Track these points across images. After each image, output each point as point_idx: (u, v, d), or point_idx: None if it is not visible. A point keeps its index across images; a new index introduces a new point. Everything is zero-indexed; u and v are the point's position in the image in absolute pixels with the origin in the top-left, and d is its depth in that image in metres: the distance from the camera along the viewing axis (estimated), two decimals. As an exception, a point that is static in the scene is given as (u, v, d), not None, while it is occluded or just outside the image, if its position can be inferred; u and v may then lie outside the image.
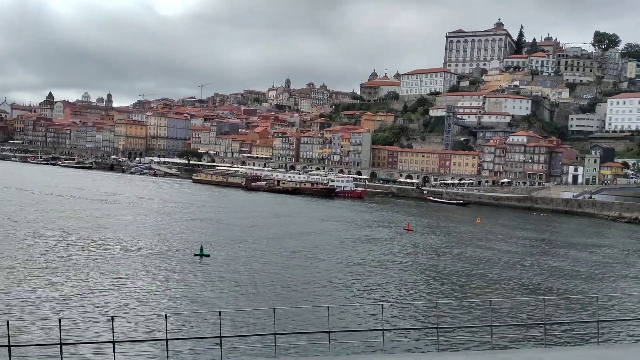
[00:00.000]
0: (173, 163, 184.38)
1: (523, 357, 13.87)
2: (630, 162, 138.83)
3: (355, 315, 28.84)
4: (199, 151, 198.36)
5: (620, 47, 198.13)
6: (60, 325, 14.39)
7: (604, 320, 19.18)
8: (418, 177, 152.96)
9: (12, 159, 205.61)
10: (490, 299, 31.17)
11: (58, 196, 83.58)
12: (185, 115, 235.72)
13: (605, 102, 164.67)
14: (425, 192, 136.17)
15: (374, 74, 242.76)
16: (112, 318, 15.32)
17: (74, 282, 32.46)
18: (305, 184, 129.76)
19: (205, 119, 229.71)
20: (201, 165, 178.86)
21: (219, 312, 16.61)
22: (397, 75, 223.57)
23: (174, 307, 28.86)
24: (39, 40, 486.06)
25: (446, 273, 42.04)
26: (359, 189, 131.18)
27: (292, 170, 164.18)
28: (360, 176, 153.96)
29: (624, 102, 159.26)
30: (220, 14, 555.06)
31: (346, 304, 30.75)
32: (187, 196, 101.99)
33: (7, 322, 14.53)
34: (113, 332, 14.41)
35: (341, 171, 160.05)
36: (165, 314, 17.32)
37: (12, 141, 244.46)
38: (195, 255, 42.42)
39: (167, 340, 14.68)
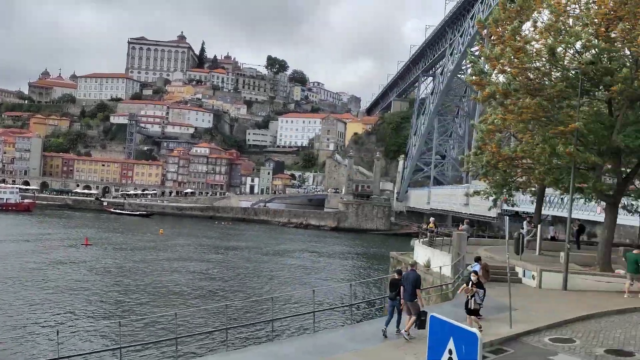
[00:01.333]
0: None
1: None
2: (297, 174, 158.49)
3: (21, 344, 24.91)
4: None
5: (289, 72, 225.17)
6: None
7: (277, 319, 20.94)
8: (97, 188, 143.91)
9: None
10: (175, 311, 30.83)
11: None
12: None
13: (277, 120, 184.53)
14: (105, 203, 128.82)
15: (46, 73, 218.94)
16: None
17: None
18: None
19: None
20: None
21: None
22: (74, 77, 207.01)
23: None
24: None
25: (131, 288, 40.14)
26: (26, 201, 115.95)
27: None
28: (28, 187, 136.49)
29: (292, 121, 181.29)
30: None
31: (15, 335, 26.34)
32: None
33: None
34: None
35: (4, 181, 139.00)
36: None
37: None
38: None
39: None
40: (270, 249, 69.38)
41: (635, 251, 19.58)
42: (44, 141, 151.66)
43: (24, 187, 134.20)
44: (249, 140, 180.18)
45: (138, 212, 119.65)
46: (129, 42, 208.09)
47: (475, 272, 14.92)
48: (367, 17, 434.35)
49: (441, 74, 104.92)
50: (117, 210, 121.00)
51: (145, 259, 55.11)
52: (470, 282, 14.36)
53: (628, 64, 19.18)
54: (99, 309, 33.48)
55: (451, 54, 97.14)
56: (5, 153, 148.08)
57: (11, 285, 38.49)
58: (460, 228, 29.52)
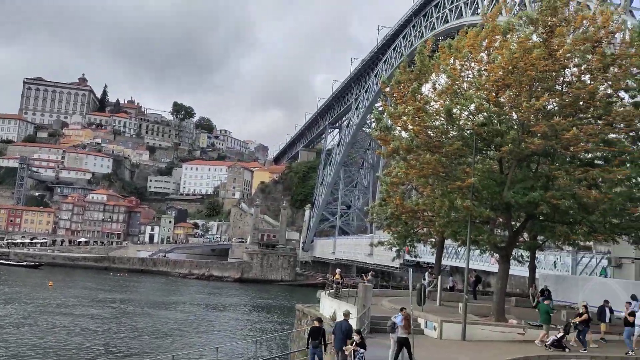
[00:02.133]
0: None
1: None
2: (200, 222, 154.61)
3: None
4: None
5: (195, 118, 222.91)
6: None
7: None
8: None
9: None
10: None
11: None
12: None
13: (181, 166, 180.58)
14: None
15: None
16: None
17: None
18: None
19: None
20: None
21: None
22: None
23: None
24: None
25: (11, 347, 36.43)
26: None
27: None
28: None
29: (197, 168, 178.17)
30: None
31: None
32: None
33: None
34: None
35: None
36: None
37: None
38: None
39: None
40: (169, 303, 66.32)
41: (546, 302, 20.84)
42: None
43: None
44: (150, 187, 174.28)
45: (25, 263, 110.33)
46: (25, 82, 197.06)
47: (359, 332, 14.97)
48: (278, 68, 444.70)
49: (347, 126, 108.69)
50: (1, 261, 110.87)
51: (31, 314, 50.54)
52: (354, 342, 14.36)
53: (515, 127, 20.90)
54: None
55: (357, 108, 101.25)
56: None
57: None
58: (366, 279, 29.93)
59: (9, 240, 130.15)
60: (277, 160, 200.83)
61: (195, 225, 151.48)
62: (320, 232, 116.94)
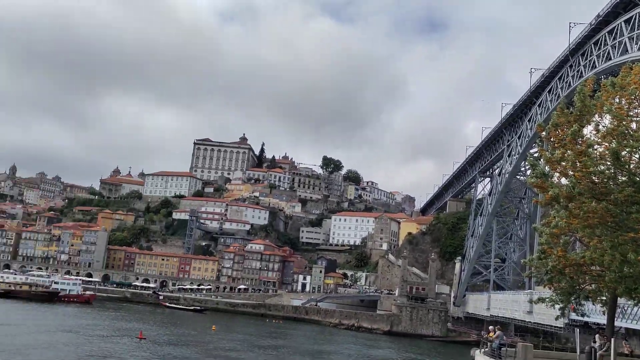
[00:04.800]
0: None
1: None
2: (349, 273, 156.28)
3: None
4: None
5: (343, 171, 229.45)
6: None
7: None
8: (156, 281, 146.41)
9: None
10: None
11: None
12: None
13: (330, 218, 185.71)
14: (161, 297, 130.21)
15: (117, 171, 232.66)
16: None
17: None
18: (21, 286, 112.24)
19: None
20: None
21: None
22: (142, 175, 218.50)
23: None
24: None
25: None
26: (87, 293, 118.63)
27: (7, 270, 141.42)
28: (90, 279, 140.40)
29: (345, 220, 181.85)
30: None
31: None
32: None
33: None
34: None
35: (68, 272, 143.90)
36: None
37: None
38: None
39: None
40: (324, 352, 67.16)
41: None
42: (109, 235, 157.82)
43: (87, 279, 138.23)
44: (302, 237, 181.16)
45: (192, 307, 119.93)
46: (195, 143, 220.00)
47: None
48: (428, 119, 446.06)
49: (499, 175, 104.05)
50: (172, 305, 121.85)
51: (197, 356, 54.42)
52: None
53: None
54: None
55: (509, 155, 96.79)
56: (72, 245, 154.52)
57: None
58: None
59: (180, 286, 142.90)
60: (424, 211, 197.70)
61: (344, 276, 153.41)
62: (472, 287, 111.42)
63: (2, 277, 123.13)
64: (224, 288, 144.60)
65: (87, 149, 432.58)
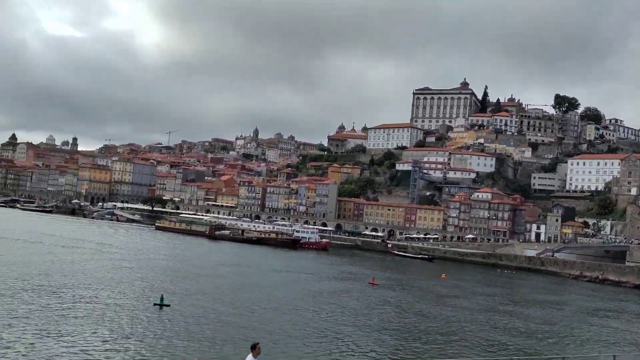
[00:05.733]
0: (136, 209, 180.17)
1: None
2: (590, 221, 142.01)
3: None
4: (164, 198, 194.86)
5: (580, 110, 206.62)
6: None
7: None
8: (384, 231, 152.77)
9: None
10: (459, 358, 30.03)
11: (13, 240, 79.63)
12: (151, 161, 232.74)
13: (566, 162, 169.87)
14: (390, 245, 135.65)
15: (342, 127, 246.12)
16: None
17: (26, 333, 29.92)
18: (269, 234, 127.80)
19: (171, 166, 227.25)
20: (165, 212, 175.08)
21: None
22: (365, 129, 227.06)
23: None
24: (10, 80, 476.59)
25: (414, 330, 40.82)
26: (324, 240, 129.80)
27: (257, 220, 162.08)
28: (325, 228, 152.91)
29: (584, 163, 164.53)
30: (198, 61, 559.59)
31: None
32: (149, 243, 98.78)
33: None
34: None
35: (306, 222, 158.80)
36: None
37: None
38: (155, 305, 40.21)
39: None
40: (568, 305, 62.86)
41: None
42: (338, 187, 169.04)
43: (322, 228, 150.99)
44: (533, 184, 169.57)
45: (420, 256, 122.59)
46: (414, 93, 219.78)
47: None
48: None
49: None
50: (401, 253, 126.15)
51: (427, 301, 55.62)
52: None
53: None
54: (387, 348, 34.67)
55: None
56: (308, 198, 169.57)
57: (293, 313, 42.93)
58: None
59: (407, 235, 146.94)
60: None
61: (585, 224, 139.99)
62: None
63: (254, 226, 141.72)
64: (451, 237, 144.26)
65: (315, 109, 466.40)
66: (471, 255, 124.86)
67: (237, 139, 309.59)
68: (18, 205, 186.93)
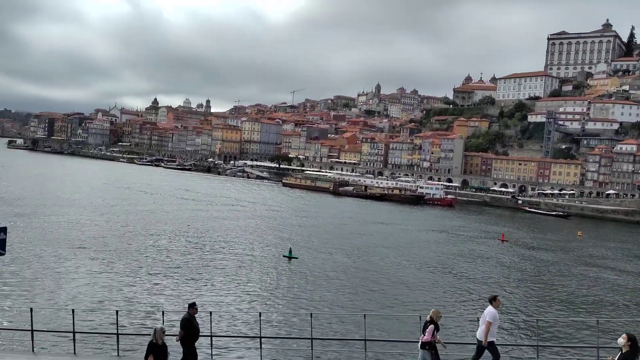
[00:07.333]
0: (265, 167, 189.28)
1: None
2: None
3: (450, 328, 27.55)
4: (289, 155, 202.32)
5: None
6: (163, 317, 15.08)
7: None
8: (514, 186, 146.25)
9: (121, 159, 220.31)
10: (597, 318, 28.63)
11: (162, 196, 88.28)
12: (277, 120, 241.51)
13: None
14: (520, 202, 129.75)
15: (469, 78, 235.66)
16: (211, 313, 16.06)
17: (173, 280, 33.72)
18: (393, 190, 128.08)
19: (295, 124, 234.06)
20: (291, 169, 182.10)
21: (310, 314, 16.64)
22: (493, 80, 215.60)
23: (265, 306, 29.12)
24: (151, 48, 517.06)
25: (547, 286, 39.43)
26: (449, 196, 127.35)
27: (380, 176, 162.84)
28: (450, 184, 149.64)
29: None
30: (322, 17, 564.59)
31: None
32: (277, 199, 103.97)
33: (117, 311, 15.99)
34: (211, 327, 15.53)
35: (430, 178, 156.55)
36: (260, 313, 17.31)
37: (120, 143, 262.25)
38: (284, 257, 42.82)
39: (312, 339, 15.38)
40: None
41: None
42: (465, 142, 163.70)
43: (447, 184, 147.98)
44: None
45: (554, 212, 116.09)
46: (549, 39, 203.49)
47: None
48: None
49: None
50: (533, 209, 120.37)
51: (561, 262, 53.10)
52: None
53: None
54: (520, 305, 33.99)
55: None
56: (432, 153, 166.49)
57: (422, 269, 43.03)
58: None
59: (539, 191, 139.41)
60: None
61: None
62: None
63: (377, 182, 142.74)
64: (589, 193, 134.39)
65: (440, 60, 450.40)
66: (612, 212, 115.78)
67: (359, 95, 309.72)
68: (162, 165, 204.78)
